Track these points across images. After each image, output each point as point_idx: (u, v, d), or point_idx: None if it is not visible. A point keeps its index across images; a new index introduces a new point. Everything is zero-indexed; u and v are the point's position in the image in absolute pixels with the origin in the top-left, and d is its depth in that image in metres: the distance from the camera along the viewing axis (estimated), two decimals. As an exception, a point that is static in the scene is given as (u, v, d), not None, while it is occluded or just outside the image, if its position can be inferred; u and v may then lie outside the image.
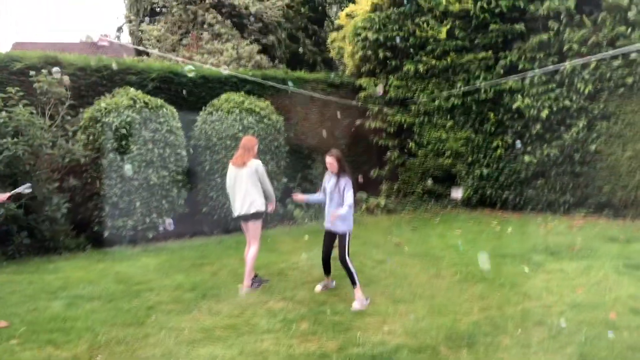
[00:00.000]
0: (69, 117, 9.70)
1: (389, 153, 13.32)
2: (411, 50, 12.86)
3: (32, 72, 9.24)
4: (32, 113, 8.73)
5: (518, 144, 11.66)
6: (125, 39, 22.26)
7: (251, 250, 6.78)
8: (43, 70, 9.24)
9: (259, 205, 6.69)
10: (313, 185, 12.74)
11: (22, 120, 8.44)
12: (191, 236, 10.33)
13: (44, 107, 9.29)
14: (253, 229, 6.79)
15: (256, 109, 10.74)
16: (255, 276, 6.86)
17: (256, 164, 6.74)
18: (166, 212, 9.80)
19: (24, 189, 6.08)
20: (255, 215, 6.71)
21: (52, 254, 8.76)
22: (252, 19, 18.07)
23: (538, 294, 6.11)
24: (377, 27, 12.85)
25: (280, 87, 12.17)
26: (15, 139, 8.18)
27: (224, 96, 11.01)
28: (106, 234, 9.34)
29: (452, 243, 9.07)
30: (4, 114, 8.33)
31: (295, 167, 12.62)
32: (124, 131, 9.23)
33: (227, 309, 5.95)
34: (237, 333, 5.21)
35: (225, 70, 10.37)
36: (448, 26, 12.35)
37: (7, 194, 6.09)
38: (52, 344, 4.92)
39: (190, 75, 10.25)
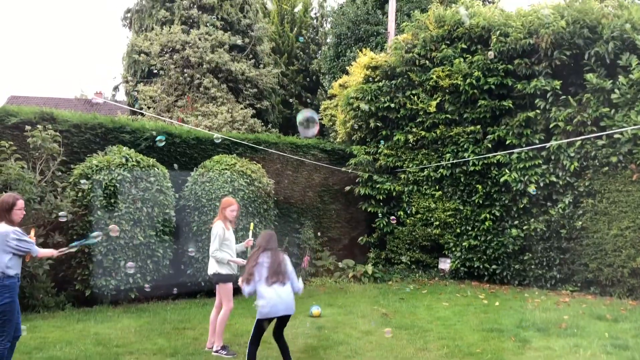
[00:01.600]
0: (59, 173, 9.69)
1: (377, 220, 13.36)
2: (402, 121, 13.18)
3: (27, 127, 9.29)
4: (22, 167, 8.72)
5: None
6: (121, 97, 22.63)
7: (221, 312, 6.76)
8: (38, 126, 9.31)
9: (212, 267, 6.82)
10: (301, 249, 12.69)
11: (12, 174, 8.42)
12: (174, 298, 10.13)
13: (35, 162, 9.29)
14: (220, 290, 6.85)
15: (247, 172, 10.82)
16: (224, 347, 6.71)
17: (214, 225, 6.88)
18: (150, 273, 9.65)
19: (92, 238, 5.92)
20: (213, 278, 6.84)
21: (30, 312, 8.52)
22: (247, 84, 18.52)
23: (526, 372, 6.00)
24: (369, 97, 13.21)
25: (272, 152, 12.31)
26: (3, 193, 8.11)
27: (216, 158, 11.10)
28: (87, 292, 9.14)
29: (440, 315, 8.97)
30: (-6, 167, 8.31)
31: (283, 230, 12.59)
32: (113, 189, 9.22)
33: (207, 376, 5.78)
34: (217, 403, 5.04)
35: (217, 139, 10.54)
36: (438, 100, 12.72)
37: (63, 249, 5.87)
38: (23, 409, 4.72)
39: (161, 144, 10.35)
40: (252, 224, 7.18)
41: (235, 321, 8.31)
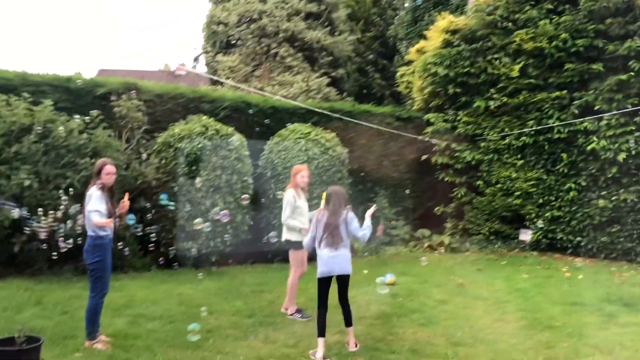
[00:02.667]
0: (144, 141, 10.14)
1: (455, 190, 13.06)
2: (482, 87, 12.69)
3: (113, 97, 9.75)
4: (110, 136, 9.19)
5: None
6: (202, 68, 23.20)
7: (290, 277, 6.94)
8: (123, 96, 9.74)
9: (284, 234, 6.96)
10: (374, 218, 12.61)
11: (100, 142, 8.90)
12: (253, 262, 10.45)
13: (121, 131, 9.77)
14: (290, 256, 6.99)
15: (322, 141, 10.86)
16: (299, 310, 6.85)
17: (286, 193, 6.94)
18: (230, 238, 9.98)
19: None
20: (285, 245, 7.00)
21: (119, 272, 9.07)
22: (322, 52, 18.43)
23: (610, 348, 5.74)
24: (448, 63, 12.79)
25: (347, 120, 12.26)
26: (93, 160, 8.60)
27: (291, 127, 11.21)
28: (171, 255, 9.61)
29: (519, 287, 8.72)
30: (84, 135, 8.81)
31: (357, 199, 12.57)
32: (194, 157, 9.54)
33: (283, 338, 5.94)
34: (292, 364, 5.19)
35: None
36: (521, 64, 12.13)
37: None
38: (112, 360, 5.07)
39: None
40: (324, 193, 7.13)
41: (311, 286, 8.45)
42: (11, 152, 8.38)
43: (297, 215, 6.84)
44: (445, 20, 13.36)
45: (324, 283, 5.63)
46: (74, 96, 10.10)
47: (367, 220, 5.87)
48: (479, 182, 12.79)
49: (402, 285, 8.71)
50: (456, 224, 13.07)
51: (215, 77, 16.29)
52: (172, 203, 8.72)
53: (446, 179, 13.14)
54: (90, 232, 5.44)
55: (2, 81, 9.56)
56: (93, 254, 5.42)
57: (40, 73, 10.23)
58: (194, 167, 9.56)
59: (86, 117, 9.12)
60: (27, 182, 8.03)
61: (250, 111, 11.43)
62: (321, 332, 5.46)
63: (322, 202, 6.83)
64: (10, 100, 8.67)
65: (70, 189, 7.99)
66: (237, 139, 10.12)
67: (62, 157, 8.64)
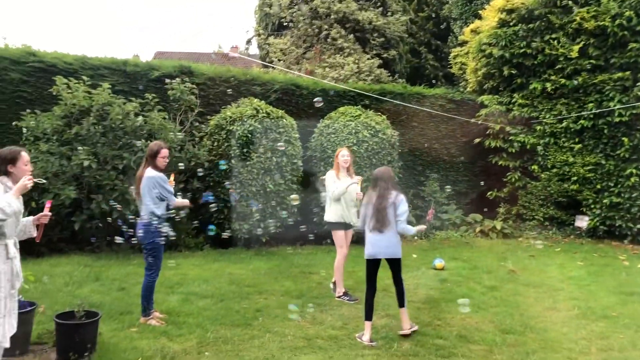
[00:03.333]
0: (197, 124, 10.35)
1: (509, 174, 12.74)
2: (539, 68, 12.26)
3: (167, 80, 9.97)
4: (164, 118, 9.43)
5: None
6: (254, 51, 23.37)
7: (336, 259, 7.06)
8: (177, 79, 9.94)
9: (325, 215, 7.13)
10: (425, 202, 12.53)
11: (155, 125, 9.14)
12: (302, 244, 10.56)
13: (175, 113, 10.00)
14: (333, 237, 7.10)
15: (372, 123, 10.79)
16: (346, 293, 6.88)
17: (327, 174, 7.11)
18: (280, 219, 10.10)
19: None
20: (326, 225, 7.15)
21: (173, 251, 9.36)
22: (374, 34, 18.21)
23: (670, 341, 5.52)
24: (503, 43, 12.40)
25: (397, 103, 12.13)
26: (148, 142, 8.86)
27: (341, 109, 11.19)
28: (223, 235, 9.81)
29: (573, 274, 8.48)
30: (140, 118, 9.07)
31: (407, 183, 12.49)
32: (245, 139, 9.67)
33: (330, 319, 6.01)
34: (338, 345, 5.24)
35: (318, 103, 10.39)
36: (581, 44, 11.63)
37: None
38: (166, 336, 5.26)
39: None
40: (360, 178, 7.09)
41: (359, 268, 8.50)
42: (72, 134, 8.73)
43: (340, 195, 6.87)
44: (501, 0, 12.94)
45: (370, 265, 5.62)
46: (130, 79, 10.39)
47: (419, 227, 5.90)
48: (534, 167, 12.43)
49: (451, 271, 8.62)
50: (509, 209, 12.77)
51: (266, 64, 16.37)
52: (225, 168, 9.02)
53: (500, 163, 12.82)
54: (146, 213, 5.61)
55: (63, 65, 9.93)
56: (150, 234, 5.59)
57: (99, 57, 10.57)
58: (245, 150, 9.70)
59: (141, 100, 9.38)
60: (86, 163, 8.35)
61: (309, 89, 11.45)
62: (368, 315, 5.47)
63: (358, 186, 6.75)
64: (70, 83, 9.00)
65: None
66: (287, 121, 10.20)
67: (119, 138, 8.94)
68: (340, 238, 6.96)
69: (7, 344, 3.85)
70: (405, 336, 5.50)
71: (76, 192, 8.47)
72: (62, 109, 8.81)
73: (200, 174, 8.95)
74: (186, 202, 5.89)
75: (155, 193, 5.57)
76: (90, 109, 8.89)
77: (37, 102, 9.64)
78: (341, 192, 6.79)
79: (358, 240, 10.57)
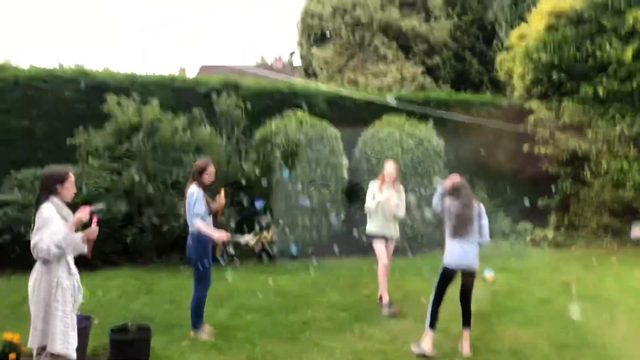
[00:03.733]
0: (243, 137, 10.50)
1: (559, 182, 12.37)
2: (590, 72, 11.88)
3: (214, 95, 10.17)
4: (212, 133, 9.60)
5: None
6: (297, 62, 23.61)
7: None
8: (224, 94, 10.12)
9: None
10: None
11: (203, 140, 9.33)
12: (348, 255, 10.52)
13: (222, 128, 10.17)
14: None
15: (416, 132, 10.69)
16: (389, 304, 6.85)
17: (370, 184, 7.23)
18: (325, 230, 10.11)
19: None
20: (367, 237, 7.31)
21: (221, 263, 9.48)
22: (417, 40, 18.10)
23: None
24: (552, 48, 12.07)
25: (441, 113, 11.99)
26: (196, 156, 9.03)
27: (385, 118, 11.14)
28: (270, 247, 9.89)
29: (632, 286, 8.15)
30: (188, 133, 9.27)
31: (455, 192, 12.28)
32: (290, 151, 9.74)
33: (378, 333, 5.95)
34: (387, 360, 5.19)
35: (391, 100, 10.33)
36: (634, 46, 11.21)
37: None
38: (216, 349, 5.33)
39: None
40: (400, 190, 7.10)
41: (407, 280, 8.42)
42: (122, 150, 8.99)
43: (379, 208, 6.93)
44: (549, 3, 12.60)
45: (448, 275, 5.54)
46: (178, 95, 10.65)
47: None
48: (586, 174, 12.01)
49: (502, 282, 8.42)
50: (561, 218, 12.38)
51: (308, 80, 16.49)
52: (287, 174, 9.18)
53: (550, 170, 12.47)
54: (192, 228, 5.70)
55: (114, 83, 10.28)
56: (197, 249, 5.68)
57: (148, 74, 10.89)
58: (289, 162, 9.76)
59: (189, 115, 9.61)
60: (136, 178, 8.59)
61: (353, 99, 11.50)
62: (432, 324, 5.40)
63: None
64: (121, 101, 9.28)
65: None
66: (331, 132, 10.23)
67: (168, 154, 9.15)
68: (380, 250, 6.98)
69: (74, 357, 4.00)
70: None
71: (127, 206, 8.71)
72: (114, 126, 9.09)
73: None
74: (210, 231, 5.66)
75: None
76: (140, 125, 9.15)
77: (89, 119, 9.97)
78: (371, 208, 6.94)
79: (404, 251, 10.48)
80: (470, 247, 5.48)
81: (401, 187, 7.17)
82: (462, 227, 5.46)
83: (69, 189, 4.07)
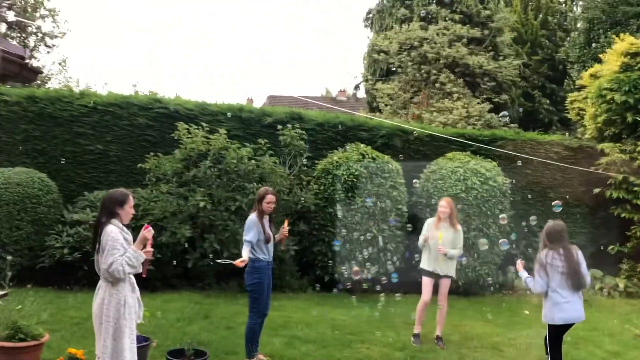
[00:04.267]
0: (305, 168, 10.61)
1: (633, 228, 11.73)
2: (668, 115, 11.34)
3: (279, 127, 10.36)
4: (275, 162, 9.76)
5: None
6: (362, 95, 23.80)
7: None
8: (288, 125, 10.31)
9: None
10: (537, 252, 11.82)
11: (266, 169, 9.50)
12: (405, 292, 10.31)
13: (285, 158, 10.33)
14: None
15: (481, 170, 10.47)
16: (416, 335, 7.02)
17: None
18: (383, 265, 9.98)
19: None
20: None
21: (278, 291, 9.49)
22: (485, 78, 17.88)
23: None
24: (627, 88, 11.62)
25: (508, 151, 11.70)
26: (259, 185, 9.20)
27: (449, 155, 10.99)
28: (327, 278, 9.85)
29: None
30: (252, 162, 9.46)
31: (520, 233, 11.88)
32: (351, 183, 9.75)
33: (434, 376, 5.76)
34: (443, 406, 5.00)
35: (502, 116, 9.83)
36: None
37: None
38: (268, 380, 5.30)
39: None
40: (440, 234, 6.89)
41: (466, 323, 8.16)
42: (189, 176, 9.27)
43: (427, 245, 6.99)
44: (624, 43, 12.20)
45: (562, 330, 5.38)
46: (244, 125, 10.93)
47: None
48: (663, 220, 11.36)
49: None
50: (634, 266, 11.69)
51: (366, 116, 16.55)
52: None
53: (623, 215, 11.85)
54: (250, 255, 5.76)
55: (185, 111, 10.67)
56: (252, 276, 5.74)
57: (217, 102, 11.25)
58: (350, 194, 9.76)
59: (254, 145, 9.83)
60: (202, 204, 8.81)
61: (415, 134, 11.45)
62: None
63: (439, 241, 6.74)
64: (190, 129, 9.62)
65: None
66: (393, 166, 10.20)
67: (233, 181, 9.36)
68: (425, 285, 7.04)
69: None
70: None
71: (191, 230, 8.93)
72: (182, 152, 9.41)
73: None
74: (241, 260, 5.67)
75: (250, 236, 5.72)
76: (207, 153, 9.43)
77: (160, 145, 10.39)
78: (421, 243, 7.04)
79: (466, 292, 10.19)
80: (580, 297, 5.32)
81: (459, 226, 7.05)
82: (572, 279, 5.20)
83: (128, 211, 4.23)
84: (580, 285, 5.21)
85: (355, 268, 7.56)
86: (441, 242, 6.82)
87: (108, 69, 57.97)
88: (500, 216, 8.55)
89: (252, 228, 5.73)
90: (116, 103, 10.52)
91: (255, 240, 5.73)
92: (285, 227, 6.02)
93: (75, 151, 10.29)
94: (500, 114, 8.31)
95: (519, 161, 10.77)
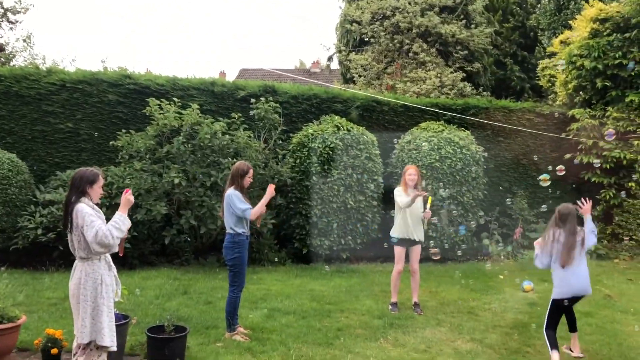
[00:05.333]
0: (280, 142, 10.56)
1: (603, 192, 12.03)
2: (636, 79, 11.54)
3: (252, 100, 10.27)
4: (249, 137, 9.70)
5: None
6: (335, 67, 23.63)
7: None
8: (261, 98, 10.22)
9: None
10: (512, 220, 12.07)
11: (241, 143, 9.43)
12: (383, 261, 10.46)
13: (259, 132, 10.27)
14: None
15: (455, 139, 10.56)
16: (394, 304, 7.12)
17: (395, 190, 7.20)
18: (360, 236, 10.08)
19: None
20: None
21: (257, 265, 9.56)
22: (457, 47, 17.89)
23: None
24: (596, 54, 11.78)
25: (481, 119, 11.82)
26: (234, 160, 9.14)
27: (423, 125, 11.05)
28: (305, 251, 9.93)
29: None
30: (227, 136, 9.38)
31: (493, 200, 12.10)
32: (327, 156, 9.77)
33: (413, 341, 5.88)
34: (422, 369, 5.12)
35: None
36: (684, 52, 10.85)
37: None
38: (250, 352, 5.35)
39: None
40: (430, 198, 7.04)
41: (442, 289, 8.32)
42: (163, 152, 9.16)
43: (399, 211, 7.03)
44: (593, 9, 12.32)
45: (559, 305, 5.53)
46: (217, 99, 10.81)
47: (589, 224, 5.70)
48: (631, 183, 11.65)
49: (541, 294, 8.21)
50: (604, 229, 12.03)
51: (340, 88, 16.46)
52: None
53: (593, 180, 12.15)
54: (229, 230, 5.76)
55: (155, 86, 10.50)
56: (232, 250, 5.74)
57: (188, 77, 11.08)
58: (326, 167, 9.79)
59: (227, 120, 9.73)
60: (176, 180, 8.73)
61: (390, 105, 11.46)
62: (554, 344, 5.31)
63: (427, 206, 6.78)
64: (162, 104, 9.47)
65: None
66: (368, 137, 10.22)
67: (207, 156, 9.28)
68: (398, 254, 7.10)
69: (115, 348, 4.11)
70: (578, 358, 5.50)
71: (166, 207, 8.87)
72: (155, 128, 9.27)
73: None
74: (260, 208, 5.81)
75: (232, 210, 5.70)
76: (180, 128, 9.31)
77: (131, 122, 10.24)
78: (406, 203, 6.85)
79: (442, 259, 10.36)
80: (581, 272, 5.47)
81: (424, 192, 7.14)
82: (569, 257, 5.42)
83: (98, 191, 4.17)
84: (571, 262, 5.39)
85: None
86: (429, 207, 6.94)
87: (77, 46, 56.50)
88: (558, 167, 8.58)
89: (241, 199, 5.71)
90: (85, 80, 10.29)
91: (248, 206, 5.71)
92: (272, 187, 5.93)
93: (45, 130, 10.08)
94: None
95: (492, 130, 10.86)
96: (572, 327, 5.64)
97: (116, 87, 10.38)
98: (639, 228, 11.52)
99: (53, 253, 8.62)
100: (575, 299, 5.56)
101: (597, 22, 12.09)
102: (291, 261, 9.99)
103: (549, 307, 5.57)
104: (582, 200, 5.86)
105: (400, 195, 7.00)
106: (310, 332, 6.02)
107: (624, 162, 11.64)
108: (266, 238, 9.86)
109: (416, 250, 7.12)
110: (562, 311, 5.55)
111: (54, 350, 4.72)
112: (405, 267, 7.22)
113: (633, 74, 11.45)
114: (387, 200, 10.59)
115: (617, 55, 11.58)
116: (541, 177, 8.17)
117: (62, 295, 7.00)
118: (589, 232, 5.59)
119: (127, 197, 4.15)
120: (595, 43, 11.88)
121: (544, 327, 5.49)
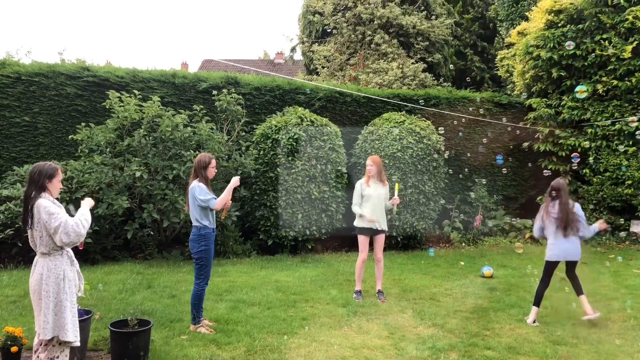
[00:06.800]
0: (243, 133, 10.54)
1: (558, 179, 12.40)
2: (589, 69, 11.92)
3: (214, 92, 10.20)
4: (212, 129, 9.64)
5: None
6: (299, 58, 23.58)
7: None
8: (224, 90, 10.16)
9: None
10: (473, 207, 12.35)
11: (203, 135, 9.36)
12: (347, 251, 10.58)
13: (222, 123, 10.22)
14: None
15: (416, 129, 10.73)
16: (359, 292, 7.27)
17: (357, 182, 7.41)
18: (325, 226, 10.17)
19: None
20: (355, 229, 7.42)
21: (222, 257, 9.55)
22: (418, 38, 18.09)
23: None
24: (552, 45, 12.11)
25: (442, 109, 12.02)
26: (197, 152, 9.09)
27: (385, 115, 11.18)
28: (270, 242, 9.97)
29: (628, 283, 8.20)
30: (189, 129, 9.30)
31: (454, 188, 12.36)
32: (290, 147, 9.80)
33: (376, 329, 6.00)
34: (385, 355, 5.23)
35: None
36: (634, 44, 11.24)
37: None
38: (215, 344, 5.37)
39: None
40: (397, 185, 7.33)
41: (405, 276, 8.48)
42: (124, 146, 9.04)
43: (365, 202, 7.16)
44: (549, 0, 12.64)
45: (553, 265, 6.36)
46: (179, 91, 10.70)
47: (600, 225, 6.44)
48: (586, 171, 12.08)
49: (500, 279, 8.48)
50: (560, 214, 12.41)
51: (305, 82, 16.44)
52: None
53: (549, 167, 12.52)
54: (195, 223, 5.75)
55: (115, 79, 10.32)
56: (198, 243, 5.73)
57: (149, 69, 10.92)
58: (290, 158, 9.82)
59: (189, 112, 9.64)
60: (138, 173, 8.63)
61: (352, 96, 11.55)
62: (537, 302, 6.32)
63: (395, 192, 7.03)
64: (122, 97, 9.33)
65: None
66: (331, 129, 10.29)
67: (169, 149, 9.20)
68: (362, 243, 7.23)
69: (79, 343, 4.08)
70: (590, 320, 6.23)
71: (128, 201, 8.77)
72: (115, 121, 9.13)
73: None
74: (225, 197, 5.82)
75: (197, 202, 5.69)
76: (141, 121, 9.19)
77: (91, 115, 10.06)
78: (357, 213, 7.19)
79: (405, 247, 10.53)
80: (571, 242, 6.23)
81: (387, 182, 7.34)
82: (563, 228, 6.18)
83: (57, 185, 4.12)
84: (573, 230, 6.16)
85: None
86: (397, 193, 7.15)
87: (31, 37, 54.75)
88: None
89: (207, 191, 5.71)
90: (42, 73, 10.05)
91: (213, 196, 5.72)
92: (237, 179, 5.95)
93: (0, 124, 9.81)
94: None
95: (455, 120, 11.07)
96: (579, 291, 6.39)
97: (74, 80, 10.16)
98: (593, 214, 11.94)
99: (11, 250, 8.43)
100: (569, 264, 6.38)
101: (552, 14, 12.42)
102: (256, 253, 10.01)
103: (544, 266, 6.38)
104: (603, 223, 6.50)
105: (357, 192, 7.24)
106: (275, 323, 6.07)
107: (579, 149, 12.03)
108: (231, 230, 9.85)
109: (380, 239, 7.25)
110: (553, 270, 6.36)
111: (14, 349, 4.65)
112: (369, 255, 7.35)
113: (586, 64, 11.81)
114: (351, 190, 10.71)
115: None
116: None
117: (22, 293, 6.88)
118: (590, 229, 6.36)
119: (90, 202, 4.31)
120: (551, 34, 12.20)
121: (539, 281, 6.39)
